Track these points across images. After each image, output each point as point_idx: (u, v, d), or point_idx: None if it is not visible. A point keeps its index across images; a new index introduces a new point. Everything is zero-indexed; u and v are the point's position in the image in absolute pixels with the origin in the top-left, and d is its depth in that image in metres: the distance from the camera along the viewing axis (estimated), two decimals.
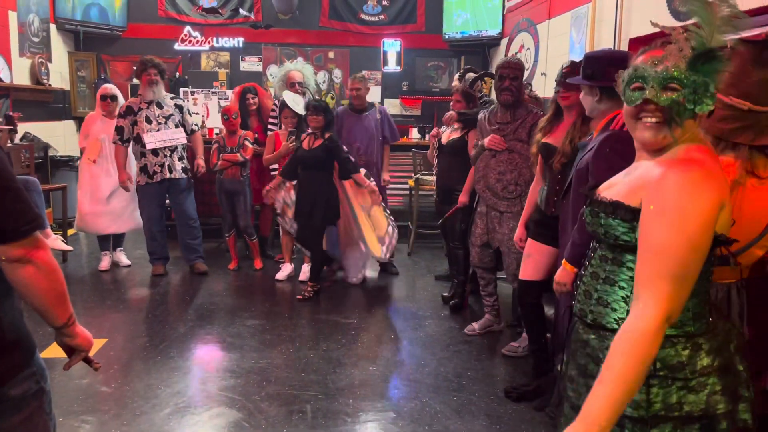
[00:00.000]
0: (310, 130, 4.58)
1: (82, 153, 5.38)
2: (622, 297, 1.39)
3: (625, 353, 1.17)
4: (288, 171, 4.72)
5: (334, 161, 4.61)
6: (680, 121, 1.29)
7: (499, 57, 7.56)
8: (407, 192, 6.51)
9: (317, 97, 5.21)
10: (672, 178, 1.25)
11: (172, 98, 5.12)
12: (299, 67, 5.39)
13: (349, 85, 5.31)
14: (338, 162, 4.61)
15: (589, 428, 1.14)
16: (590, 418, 1.15)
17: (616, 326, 1.38)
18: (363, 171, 4.79)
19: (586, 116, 2.64)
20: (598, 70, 2.39)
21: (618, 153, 2.08)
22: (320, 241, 4.69)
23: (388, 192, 5.83)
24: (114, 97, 5.20)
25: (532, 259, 3.12)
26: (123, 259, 5.44)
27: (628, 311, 1.34)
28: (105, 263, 5.31)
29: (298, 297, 4.61)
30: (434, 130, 4.78)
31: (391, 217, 4.93)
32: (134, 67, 7.65)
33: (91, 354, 1.57)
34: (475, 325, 4.03)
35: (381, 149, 5.28)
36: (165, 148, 4.90)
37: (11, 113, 4.99)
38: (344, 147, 4.86)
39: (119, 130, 4.91)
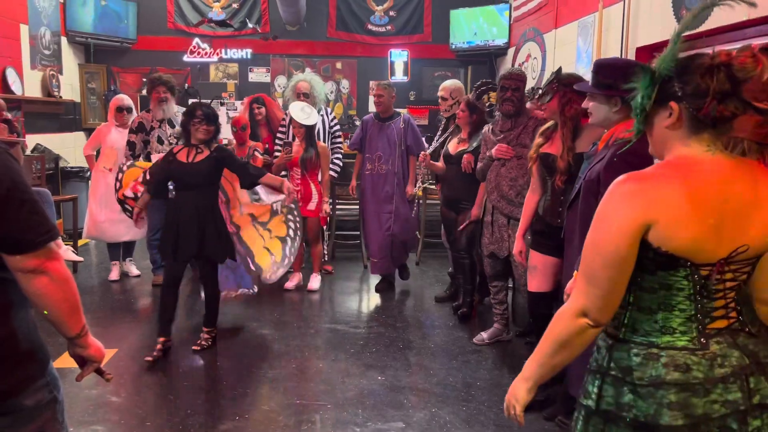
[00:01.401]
0: (194, 141, 3.78)
1: (88, 161, 5.44)
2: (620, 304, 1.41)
3: (548, 328, 1.41)
4: (157, 187, 3.95)
5: (220, 176, 3.88)
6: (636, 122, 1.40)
7: (506, 66, 7.58)
8: (414, 201, 6.50)
9: (203, 101, 4.97)
10: (610, 187, 1.34)
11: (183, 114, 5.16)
12: (307, 78, 5.43)
13: (373, 91, 5.28)
14: (237, 171, 3.89)
15: (519, 380, 1.47)
16: (522, 374, 1.47)
17: (614, 331, 1.42)
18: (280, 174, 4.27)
19: (577, 128, 2.63)
20: (620, 79, 2.35)
21: (630, 165, 2.08)
22: (215, 277, 3.95)
23: None
24: (130, 109, 5.29)
25: (539, 271, 3.11)
26: (133, 269, 5.47)
27: (627, 318, 1.40)
28: (114, 273, 5.34)
29: (194, 347, 3.81)
30: (421, 156, 4.56)
31: (296, 230, 4.33)
32: (144, 78, 7.76)
33: (102, 364, 1.58)
34: (484, 335, 4.02)
35: (403, 159, 5.12)
36: None
37: (9, 117, 4.80)
38: (368, 154, 4.98)
39: (131, 145, 4.95)
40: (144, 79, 7.78)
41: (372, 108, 7.85)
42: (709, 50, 1.32)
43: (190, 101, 7.13)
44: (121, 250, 5.41)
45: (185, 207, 3.71)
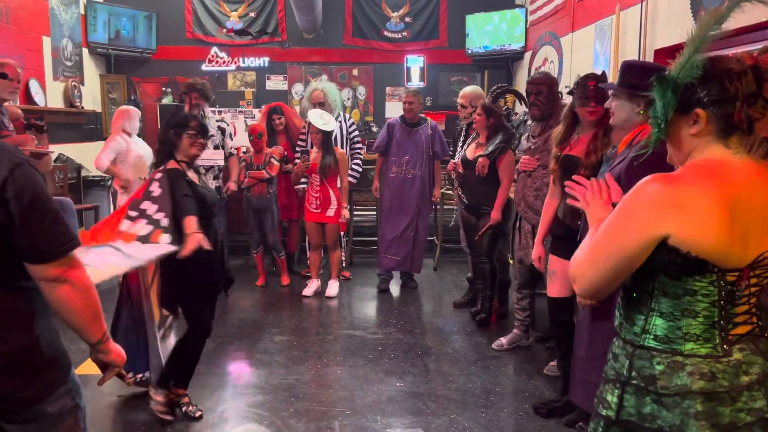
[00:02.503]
0: (182, 158, 3.06)
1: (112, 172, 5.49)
2: (641, 310, 1.39)
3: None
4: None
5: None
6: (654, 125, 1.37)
7: (522, 71, 7.55)
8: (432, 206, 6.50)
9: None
10: (639, 183, 1.32)
11: (217, 120, 5.23)
12: (320, 86, 5.48)
13: (403, 98, 5.38)
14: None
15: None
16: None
17: (634, 338, 1.40)
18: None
19: (608, 128, 2.61)
20: (646, 80, 2.34)
21: (651, 164, 2.06)
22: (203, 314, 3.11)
23: None
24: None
25: (558, 276, 3.08)
26: None
27: (649, 325, 1.37)
28: None
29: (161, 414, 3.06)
30: (450, 164, 4.63)
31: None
32: (164, 88, 7.86)
33: (122, 369, 1.60)
34: (503, 340, 3.99)
35: (430, 164, 5.30)
36: (201, 166, 5.00)
37: (38, 123, 4.68)
38: (394, 158, 5.12)
39: None
40: (163, 89, 7.89)
41: (389, 113, 7.90)
42: (726, 53, 1.32)
43: (209, 110, 7.20)
44: None
45: (210, 239, 2.93)
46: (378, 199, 5.54)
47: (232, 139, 5.34)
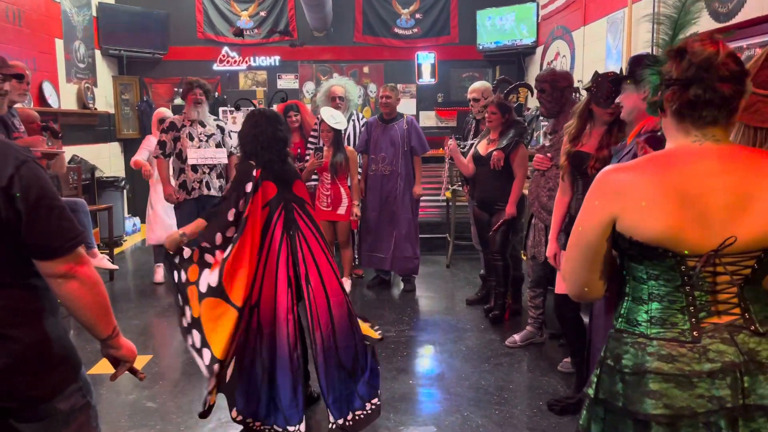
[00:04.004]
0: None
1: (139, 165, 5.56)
2: (621, 296, 1.44)
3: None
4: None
5: None
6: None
7: (534, 66, 7.51)
8: (444, 203, 6.49)
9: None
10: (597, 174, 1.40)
11: (214, 119, 5.25)
12: (341, 82, 5.49)
13: (380, 93, 5.34)
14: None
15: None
16: None
17: (614, 322, 1.44)
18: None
19: (621, 124, 2.60)
20: None
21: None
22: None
23: (422, 203, 5.78)
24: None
25: None
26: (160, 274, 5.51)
27: (624, 309, 1.41)
28: (159, 275, 5.47)
29: None
30: (452, 144, 4.50)
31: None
32: (176, 88, 7.91)
33: (134, 364, 1.61)
34: (517, 337, 3.97)
35: (407, 160, 5.17)
36: (205, 165, 5.03)
37: (52, 125, 4.78)
38: (372, 156, 5.02)
39: (162, 144, 5.04)
40: (175, 89, 7.94)
41: (401, 111, 7.86)
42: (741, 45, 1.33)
43: (221, 109, 7.24)
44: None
45: None
46: (364, 197, 5.37)
47: (231, 138, 5.35)
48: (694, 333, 1.31)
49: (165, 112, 5.53)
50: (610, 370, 1.39)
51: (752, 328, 1.31)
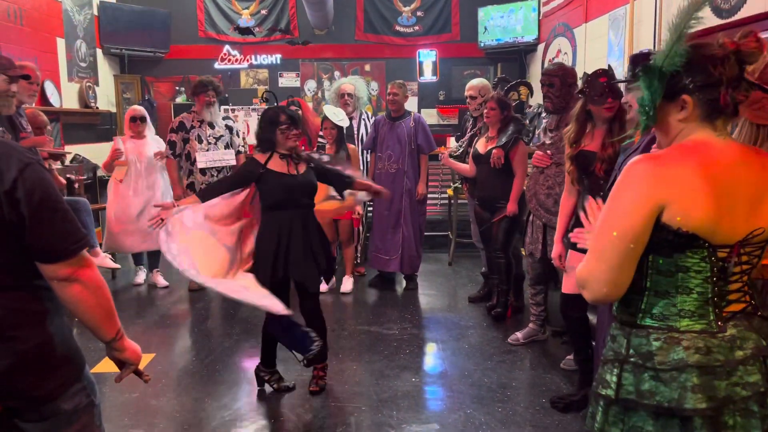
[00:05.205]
0: (283, 151, 3.21)
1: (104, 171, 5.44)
2: (635, 291, 1.42)
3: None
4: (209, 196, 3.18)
5: None
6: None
7: (536, 63, 7.50)
8: (446, 201, 6.48)
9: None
10: (625, 167, 1.36)
11: (224, 119, 5.24)
12: (351, 80, 5.52)
13: (387, 90, 5.34)
14: (333, 179, 3.44)
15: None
16: None
17: (630, 319, 1.43)
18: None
19: (623, 121, 2.59)
20: None
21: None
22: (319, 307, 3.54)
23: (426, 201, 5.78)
24: (143, 119, 5.25)
25: (575, 272, 3.04)
26: (160, 280, 5.39)
27: (644, 304, 1.40)
28: (140, 278, 5.43)
29: (311, 389, 3.34)
30: (445, 156, 4.60)
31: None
32: (177, 87, 7.91)
33: (139, 366, 1.61)
34: (519, 335, 3.97)
35: (413, 158, 5.13)
36: (213, 168, 5.02)
37: (58, 151, 4.84)
38: (379, 154, 4.99)
39: (171, 144, 5.02)
40: (177, 88, 7.94)
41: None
42: (709, 40, 1.36)
43: (222, 108, 7.23)
44: (145, 258, 5.44)
45: (294, 227, 3.14)
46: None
47: (239, 137, 5.35)
48: (719, 323, 1.34)
49: (139, 110, 5.32)
50: (635, 369, 1.37)
51: (759, 313, 1.38)
